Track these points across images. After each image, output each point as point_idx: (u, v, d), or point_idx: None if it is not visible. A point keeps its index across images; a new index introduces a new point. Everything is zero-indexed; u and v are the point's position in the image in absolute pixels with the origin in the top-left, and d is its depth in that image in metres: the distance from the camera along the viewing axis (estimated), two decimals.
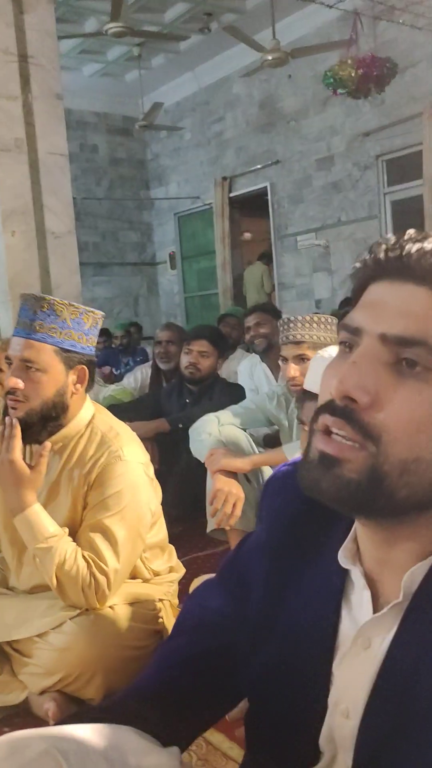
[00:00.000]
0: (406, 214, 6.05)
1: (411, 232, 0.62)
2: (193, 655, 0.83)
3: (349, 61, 4.97)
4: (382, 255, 0.62)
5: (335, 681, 0.69)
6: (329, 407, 0.60)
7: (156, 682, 0.82)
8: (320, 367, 1.47)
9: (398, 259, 0.60)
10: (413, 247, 0.59)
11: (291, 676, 0.72)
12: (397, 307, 0.58)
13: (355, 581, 0.69)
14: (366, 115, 6.13)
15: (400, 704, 0.61)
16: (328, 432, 0.60)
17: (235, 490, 2.05)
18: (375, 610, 0.67)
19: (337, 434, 0.59)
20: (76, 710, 1.52)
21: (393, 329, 0.58)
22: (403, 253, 0.60)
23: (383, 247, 0.62)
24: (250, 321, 3.41)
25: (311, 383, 1.49)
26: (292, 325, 2.25)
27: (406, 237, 0.61)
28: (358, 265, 0.64)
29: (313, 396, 1.45)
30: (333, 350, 1.51)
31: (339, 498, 0.59)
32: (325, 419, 0.59)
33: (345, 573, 0.70)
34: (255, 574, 0.80)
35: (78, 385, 1.62)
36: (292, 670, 0.71)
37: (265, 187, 7.39)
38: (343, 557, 0.69)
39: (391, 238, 0.62)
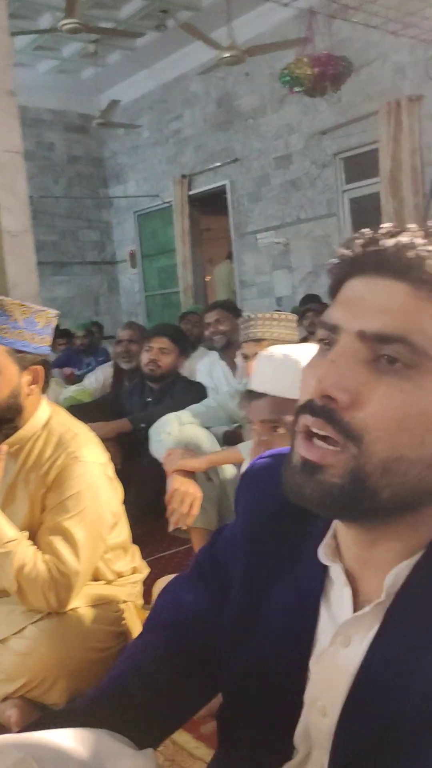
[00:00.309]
0: (365, 212, 6.12)
1: (387, 225, 0.60)
2: (168, 651, 0.82)
3: (305, 60, 5.00)
4: (358, 250, 0.60)
5: (312, 678, 0.68)
6: (309, 407, 0.59)
7: (127, 681, 0.80)
8: (265, 367, 1.48)
9: (375, 254, 0.59)
10: (390, 242, 0.58)
11: (268, 672, 0.71)
12: (375, 303, 0.57)
13: (335, 578, 0.68)
14: (323, 113, 6.18)
15: (380, 704, 0.60)
16: (309, 435, 0.59)
17: (191, 490, 2.05)
18: (355, 608, 0.66)
19: (318, 438, 0.58)
20: (42, 715, 1.50)
21: (371, 326, 0.56)
22: (380, 248, 0.58)
23: (359, 242, 0.61)
24: (210, 318, 3.41)
25: (256, 382, 1.49)
26: (252, 323, 2.25)
27: (382, 231, 0.60)
28: (335, 260, 0.63)
29: (258, 395, 1.45)
30: (277, 349, 1.51)
31: (323, 503, 0.59)
32: (306, 420, 0.59)
33: (325, 569, 0.69)
34: (233, 569, 0.79)
35: (33, 386, 1.59)
36: (270, 666, 0.71)
37: (225, 185, 7.39)
38: (323, 554, 0.68)
39: (367, 232, 0.61)
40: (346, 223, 6.34)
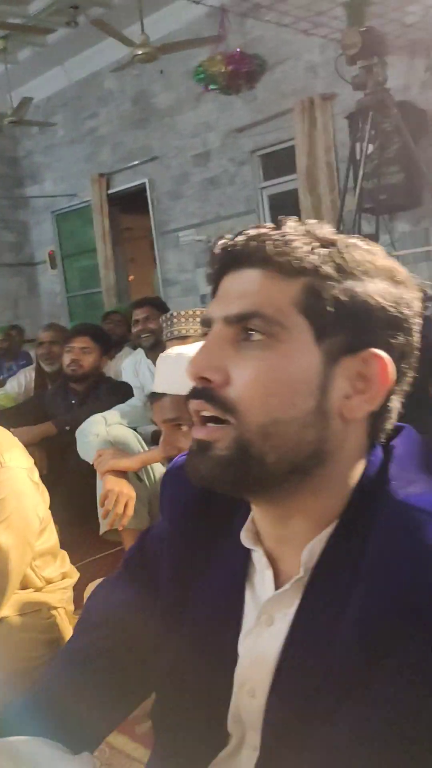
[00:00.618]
0: (283, 208, 6.20)
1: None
2: (98, 652, 0.82)
3: (219, 57, 5.02)
4: (219, 252, 0.67)
5: (240, 661, 0.69)
6: (192, 392, 0.65)
7: (57, 686, 0.79)
8: (163, 367, 1.48)
9: (231, 252, 0.66)
10: (240, 239, 0.65)
11: (198, 662, 0.72)
12: (236, 291, 0.65)
13: (257, 562, 0.70)
14: (239, 111, 6.22)
15: (305, 679, 0.62)
16: (202, 420, 0.64)
17: (126, 490, 2.03)
18: (277, 588, 0.68)
19: (209, 421, 0.64)
20: None
21: (233, 310, 0.64)
22: (235, 246, 0.66)
23: (219, 246, 0.68)
24: (139, 314, 3.36)
25: (156, 384, 1.49)
26: (176, 320, 2.25)
27: (239, 232, 0.67)
28: (208, 270, 0.70)
29: (160, 396, 1.46)
30: (172, 350, 1.52)
31: (216, 477, 0.63)
32: (192, 404, 0.65)
33: (248, 555, 0.71)
34: (161, 566, 0.80)
35: None
36: (200, 656, 0.72)
37: (144, 184, 7.35)
38: (245, 537, 0.70)
39: (226, 236, 0.68)
40: (266, 219, 6.41)
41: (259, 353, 0.62)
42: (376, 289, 0.63)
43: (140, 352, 3.40)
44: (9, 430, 1.70)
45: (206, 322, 0.67)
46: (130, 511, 2.01)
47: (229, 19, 5.55)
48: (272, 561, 0.69)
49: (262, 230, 0.65)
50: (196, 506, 0.77)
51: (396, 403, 0.67)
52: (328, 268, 0.62)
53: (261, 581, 0.70)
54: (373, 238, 4.71)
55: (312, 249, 0.63)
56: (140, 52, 5.03)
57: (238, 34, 5.74)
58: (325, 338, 0.62)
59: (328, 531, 0.65)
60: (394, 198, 4.70)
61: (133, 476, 2.14)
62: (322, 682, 0.60)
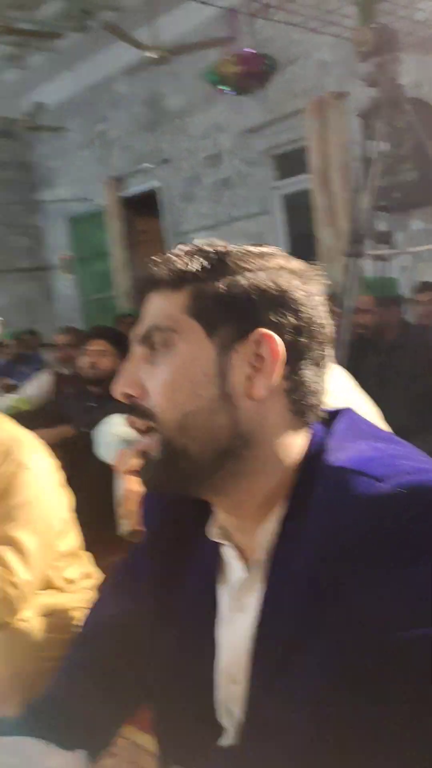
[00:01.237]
0: (297, 208, 6.20)
1: None
2: (91, 665, 0.86)
3: (230, 58, 5.03)
4: (136, 284, 0.78)
5: (220, 651, 0.73)
6: (126, 409, 0.72)
7: (62, 696, 0.83)
8: None
9: (139, 283, 0.75)
10: (151, 266, 0.73)
11: (182, 659, 0.76)
12: (144, 315, 0.73)
13: (226, 554, 0.75)
14: (251, 111, 6.22)
15: (279, 658, 0.64)
16: (142, 434, 0.71)
17: None
18: None
19: (145, 431, 0.71)
20: None
21: (141, 331, 0.72)
22: (140, 278, 0.75)
23: (138, 277, 0.73)
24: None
25: None
26: None
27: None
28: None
29: None
30: None
31: (158, 480, 0.71)
32: (128, 420, 0.73)
33: (219, 551, 0.76)
34: (145, 572, 0.85)
35: None
36: (183, 653, 0.76)
37: (156, 186, 7.36)
38: (214, 534, 0.75)
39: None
40: (280, 219, 6.41)
41: (163, 360, 0.69)
42: (256, 278, 0.69)
43: None
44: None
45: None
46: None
47: (239, 20, 5.55)
48: (242, 552, 0.74)
49: (166, 256, 0.73)
50: (171, 512, 0.82)
51: (309, 377, 0.71)
52: (207, 272, 0.69)
53: (232, 573, 0.74)
54: (388, 236, 4.69)
55: (191, 260, 0.70)
56: (152, 55, 5.05)
57: (249, 35, 5.75)
58: (215, 332, 0.68)
59: (279, 512, 0.69)
60: (408, 195, 4.67)
61: None
62: (296, 662, 0.62)
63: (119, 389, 0.71)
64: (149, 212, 7.77)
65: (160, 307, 0.71)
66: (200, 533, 0.78)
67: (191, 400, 0.68)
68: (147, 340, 0.71)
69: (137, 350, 0.72)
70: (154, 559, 0.83)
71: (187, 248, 0.73)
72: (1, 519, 1.53)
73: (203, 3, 4.91)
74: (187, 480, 0.70)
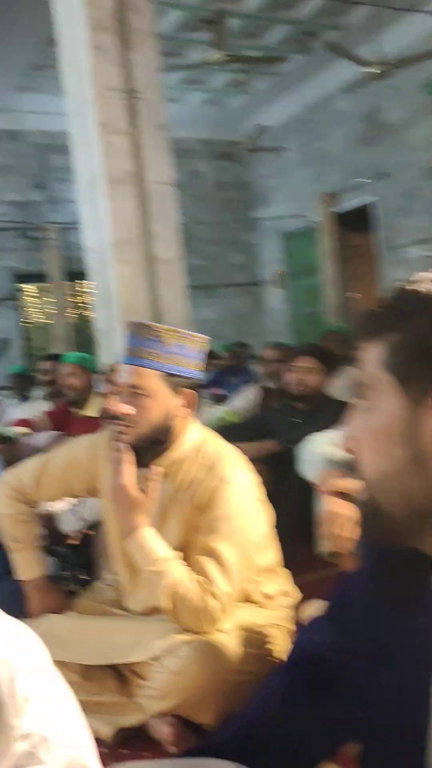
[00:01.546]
0: None
1: None
2: (296, 690, 0.83)
3: None
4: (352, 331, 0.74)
5: None
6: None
7: (258, 720, 0.83)
8: None
9: (354, 328, 0.76)
10: (361, 312, 0.74)
11: (400, 707, 0.71)
12: (360, 362, 0.72)
13: None
14: None
15: None
16: None
17: (350, 513, 1.99)
18: None
19: None
20: (197, 743, 1.52)
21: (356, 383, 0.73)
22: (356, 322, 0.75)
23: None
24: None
25: None
26: None
27: None
28: None
29: None
30: None
31: (366, 534, 0.72)
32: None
33: None
34: (362, 606, 0.80)
35: (185, 409, 1.63)
36: (402, 701, 0.71)
37: (370, 201, 7.25)
38: None
39: None
40: None
41: (367, 417, 0.69)
42: None
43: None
44: (235, 445, 1.77)
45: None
46: (355, 535, 1.97)
47: None
48: None
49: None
50: (393, 553, 0.76)
51: None
52: (405, 319, 0.66)
53: None
54: None
55: (393, 305, 0.68)
56: (374, 70, 4.99)
57: None
58: (408, 386, 0.65)
59: None
60: None
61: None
62: None
63: (345, 444, 0.72)
64: (362, 227, 7.67)
65: (362, 359, 0.69)
66: (422, 579, 0.73)
67: (387, 461, 0.66)
68: (359, 394, 0.70)
69: (355, 403, 0.71)
70: (373, 593, 0.79)
71: (396, 288, 0.70)
72: (204, 531, 1.59)
73: (429, 13, 4.75)
74: (395, 536, 0.68)
